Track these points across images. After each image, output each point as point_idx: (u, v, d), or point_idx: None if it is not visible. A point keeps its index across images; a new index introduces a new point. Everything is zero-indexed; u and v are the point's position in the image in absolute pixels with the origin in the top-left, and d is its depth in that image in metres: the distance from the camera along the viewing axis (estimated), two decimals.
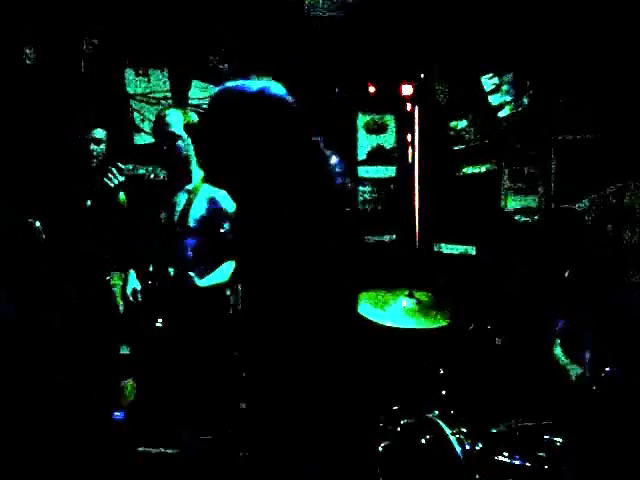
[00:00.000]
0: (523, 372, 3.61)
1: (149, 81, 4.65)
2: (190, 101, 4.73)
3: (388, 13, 4.79)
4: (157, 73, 4.67)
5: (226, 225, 3.38)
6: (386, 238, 5.15)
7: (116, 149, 4.18)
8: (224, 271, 3.38)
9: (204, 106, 4.75)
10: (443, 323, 3.39)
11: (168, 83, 4.69)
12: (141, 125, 4.66)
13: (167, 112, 3.49)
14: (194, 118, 3.48)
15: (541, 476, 2.77)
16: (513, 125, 4.53)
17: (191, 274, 3.30)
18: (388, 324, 3.35)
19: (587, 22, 4.15)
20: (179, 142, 3.42)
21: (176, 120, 3.43)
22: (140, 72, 4.63)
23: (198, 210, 3.42)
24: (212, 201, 3.40)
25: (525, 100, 4.48)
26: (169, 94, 4.69)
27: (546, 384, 3.37)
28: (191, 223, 3.42)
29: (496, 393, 3.56)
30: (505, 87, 4.56)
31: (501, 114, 4.58)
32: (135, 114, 4.65)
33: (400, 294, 3.55)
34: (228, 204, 3.36)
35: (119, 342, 4.15)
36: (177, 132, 3.41)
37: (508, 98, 4.55)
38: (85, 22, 4.45)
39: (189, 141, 3.43)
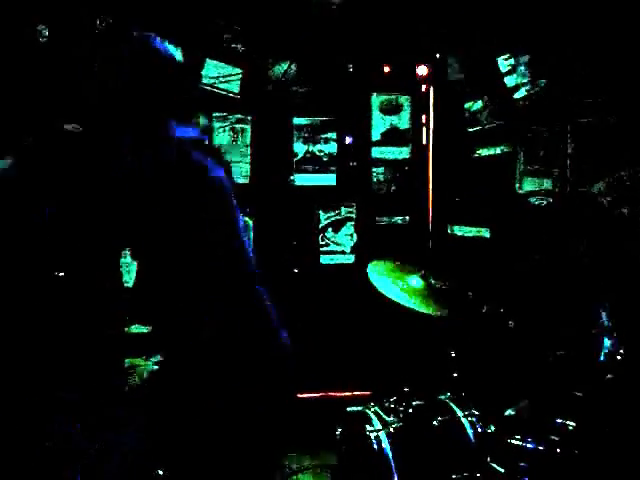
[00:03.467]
0: (536, 355, 3.60)
1: None
2: (204, 80, 4.71)
3: None
4: None
5: None
6: (399, 220, 5.14)
7: None
8: None
9: (218, 85, 4.74)
10: (438, 313, 3.36)
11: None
12: None
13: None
14: (204, 122, 3.54)
15: (553, 460, 2.76)
16: (529, 107, 4.49)
17: None
18: (393, 299, 3.34)
19: (605, 2, 4.10)
20: None
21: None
22: None
23: None
24: None
25: (541, 82, 4.44)
26: None
27: (558, 368, 3.36)
28: None
29: (508, 376, 3.55)
30: (521, 68, 4.52)
31: (517, 95, 4.53)
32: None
33: (414, 273, 3.54)
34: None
35: (126, 322, 4.15)
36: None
37: (524, 79, 4.51)
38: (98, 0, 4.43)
39: None
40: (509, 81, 4.56)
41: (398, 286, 3.41)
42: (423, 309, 3.31)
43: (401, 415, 3.25)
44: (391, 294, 3.35)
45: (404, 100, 5.11)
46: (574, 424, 2.81)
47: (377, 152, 5.11)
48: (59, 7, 4.34)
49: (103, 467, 3.44)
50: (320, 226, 5.05)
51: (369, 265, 3.53)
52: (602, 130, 4.16)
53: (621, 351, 3.06)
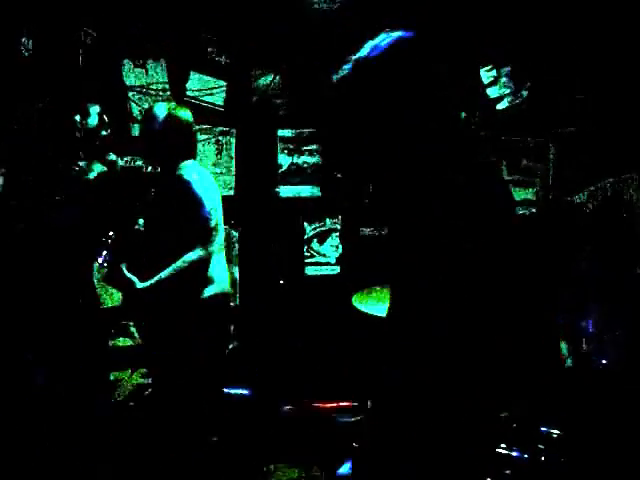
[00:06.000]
0: (521, 364, 3.61)
1: (147, 73, 4.64)
2: (188, 92, 4.72)
3: (385, 4, 4.78)
4: (155, 65, 4.66)
5: (208, 213, 3.31)
6: (384, 231, 5.15)
7: (114, 140, 4.18)
8: (178, 263, 3.22)
9: (202, 98, 4.74)
10: None
11: (166, 75, 4.68)
12: (139, 117, 4.65)
13: (154, 105, 3.53)
14: (182, 113, 3.47)
15: (538, 467, 2.77)
16: (511, 117, 4.53)
17: (130, 277, 3.24)
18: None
19: (585, 15, 4.15)
20: (155, 133, 3.40)
21: (158, 112, 3.43)
22: (138, 63, 4.62)
23: (168, 200, 3.39)
24: (183, 190, 3.30)
25: (524, 92, 4.48)
26: (167, 86, 4.68)
27: (543, 375, 3.38)
28: (160, 215, 3.40)
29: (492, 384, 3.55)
30: (503, 79, 4.56)
31: (499, 106, 4.57)
32: (133, 106, 4.64)
33: None
34: (200, 188, 3.32)
35: (107, 335, 4.14)
36: (155, 123, 3.40)
37: (506, 90, 4.54)
38: (83, 13, 4.43)
39: (169, 133, 3.41)
40: (492, 92, 4.60)
41: (385, 302, 3.41)
42: None
43: None
44: (380, 312, 3.36)
45: None
46: (559, 432, 2.82)
47: None
48: (43, 21, 4.34)
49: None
50: (305, 237, 5.06)
51: (353, 299, 3.52)
52: (583, 140, 4.20)
53: (604, 361, 3.08)
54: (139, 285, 3.21)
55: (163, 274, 3.22)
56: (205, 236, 3.26)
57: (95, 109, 3.88)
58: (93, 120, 3.86)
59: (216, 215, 3.33)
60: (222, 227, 3.44)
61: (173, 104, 3.57)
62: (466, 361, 1.66)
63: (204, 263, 3.27)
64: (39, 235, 3.86)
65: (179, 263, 3.22)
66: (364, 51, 1.74)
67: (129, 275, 3.22)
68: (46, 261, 3.80)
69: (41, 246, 3.84)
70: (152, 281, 3.23)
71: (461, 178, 1.68)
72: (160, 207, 3.43)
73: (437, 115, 1.71)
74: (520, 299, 1.78)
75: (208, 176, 3.47)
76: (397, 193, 1.72)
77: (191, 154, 3.50)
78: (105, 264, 3.27)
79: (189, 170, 3.39)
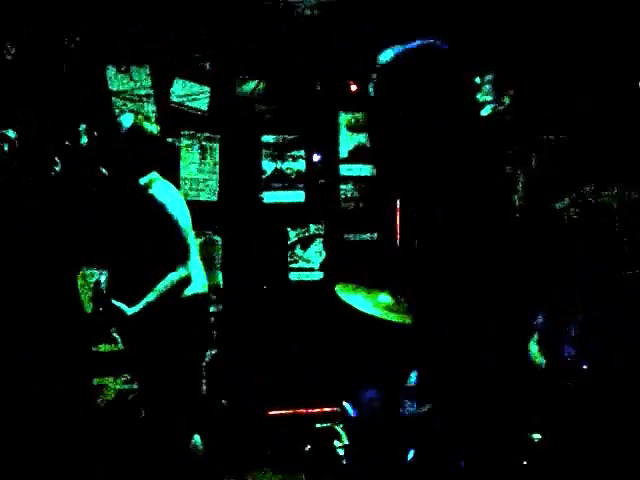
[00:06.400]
0: (501, 367, 3.62)
1: (131, 78, 4.63)
2: (172, 98, 4.72)
3: (368, 11, 4.81)
4: (139, 70, 4.66)
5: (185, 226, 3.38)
6: (367, 236, 5.17)
7: (97, 146, 4.18)
8: (164, 284, 3.28)
9: (186, 104, 4.74)
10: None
11: (150, 80, 4.68)
12: None
13: (121, 115, 3.56)
14: (148, 126, 3.49)
15: (520, 472, 2.79)
16: (494, 124, 4.55)
17: (119, 305, 3.23)
18: (369, 312, 3.36)
19: (568, 23, 4.19)
20: (117, 142, 3.42)
21: (124, 122, 3.44)
22: (122, 69, 4.61)
23: (140, 219, 3.39)
24: (158, 213, 3.35)
25: (506, 100, 4.51)
26: (151, 91, 4.68)
27: (523, 379, 3.40)
28: (133, 231, 3.41)
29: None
30: (486, 87, 4.58)
31: (482, 113, 4.60)
32: (117, 112, 4.63)
33: (381, 291, 3.56)
34: (174, 209, 3.37)
35: (89, 341, 4.13)
36: (121, 132, 3.42)
37: (489, 97, 4.57)
38: (67, 18, 4.42)
39: (132, 144, 3.43)
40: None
41: (370, 301, 3.43)
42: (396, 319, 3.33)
43: None
44: (365, 308, 3.36)
45: None
46: (540, 436, 2.84)
47: (345, 169, 5.13)
48: (26, 25, 4.33)
49: None
50: (289, 243, 5.07)
51: (337, 287, 3.53)
52: (565, 148, 4.23)
53: (584, 366, 3.10)
54: (129, 312, 3.23)
55: (151, 297, 3.27)
56: (183, 255, 3.35)
57: (82, 127, 3.91)
58: (83, 139, 3.89)
59: (189, 231, 3.40)
60: (193, 236, 3.51)
61: (140, 116, 3.58)
62: (466, 362, 1.70)
63: (187, 279, 3.35)
64: (39, 235, 3.87)
65: (165, 284, 3.29)
66: (386, 56, 1.76)
67: (118, 304, 3.23)
68: (45, 261, 3.80)
69: (41, 246, 3.84)
70: (140, 306, 3.26)
71: (463, 184, 1.71)
72: (131, 223, 3.44)
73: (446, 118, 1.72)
74: (518, 302, 1.81)
75: (176, 193, 3.54)
76: (402, 198, 1.76)
77: (153, 166, 3.54)
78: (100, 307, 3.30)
79: (161, 190, 3.44)
